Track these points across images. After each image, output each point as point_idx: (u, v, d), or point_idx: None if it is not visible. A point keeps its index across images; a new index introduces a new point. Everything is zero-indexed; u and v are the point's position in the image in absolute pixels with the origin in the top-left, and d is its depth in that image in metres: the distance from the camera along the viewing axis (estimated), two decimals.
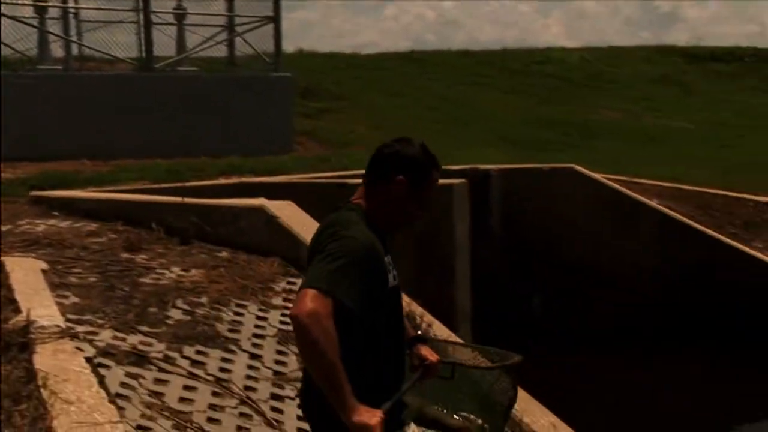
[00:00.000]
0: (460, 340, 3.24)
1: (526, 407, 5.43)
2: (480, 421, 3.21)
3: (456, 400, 3.23)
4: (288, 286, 6.02)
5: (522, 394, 5.61)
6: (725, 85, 22.90)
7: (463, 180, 8.86)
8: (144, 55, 12.12)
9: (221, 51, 13.76)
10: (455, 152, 12.81)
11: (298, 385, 4.73)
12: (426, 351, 2.97)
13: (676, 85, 22.65)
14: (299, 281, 6.13)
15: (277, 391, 4.72)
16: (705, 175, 12.62)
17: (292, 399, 4.65)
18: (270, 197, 7.19)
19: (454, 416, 3.21)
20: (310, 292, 2.46)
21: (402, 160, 2.75)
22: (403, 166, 2.75)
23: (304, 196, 7.66)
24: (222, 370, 4.77)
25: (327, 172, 10.45)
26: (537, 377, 6.81)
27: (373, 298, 2.63)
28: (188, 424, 4.12)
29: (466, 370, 3.19)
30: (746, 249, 10.14)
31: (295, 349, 5.17)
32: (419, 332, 3.06)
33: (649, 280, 10.05)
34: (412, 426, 2.94)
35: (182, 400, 4.35)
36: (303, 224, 6.69)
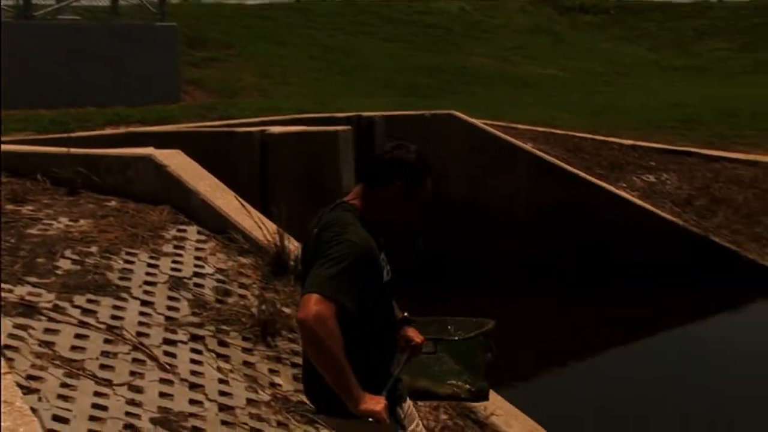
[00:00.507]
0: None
1: None
2: (467, 386, 3.48)
3: (441, 370, 3.47)
4: (178, 234, 6.13)
5: None
6: (593, 35, 23.92)
7: (348, 127, 9.08)
8: (21, 2, 11.69)
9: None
10: (340, 100, 13.02)
11: (191, 329, 4.93)
12: (412, 332, 3.18)
13: (548, 34, 23.52)
14: (189, 228, 6.26)
15: (169, 336, 4.82)
16: (575, 120, 13.27)
17: (185, 343, 4.78)
18: (158, 146, 7.22)
19: (443, 385, 3.47)
20: (314, 297, 2.65)
21: (399, 166, 2.88)
22: (400, 172, 2.88)
23: (193, 145, 7.71)
24: (114, 317, 4.83)
25: (215, 120, 10.46)
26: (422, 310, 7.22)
27: (371, 295, 2.83)
28: (81, 372, 4.19)
29: (447, 343, 3.43)
30: (612, 189, 10.81)
31: (186, 294, 5.34)
32: (405, 314, 3.23)
33: (523, 219, 10.60)
34: (409, 401, 3.17)
35: (74, 348, 4.39)
36: (192, 172, 6.78)
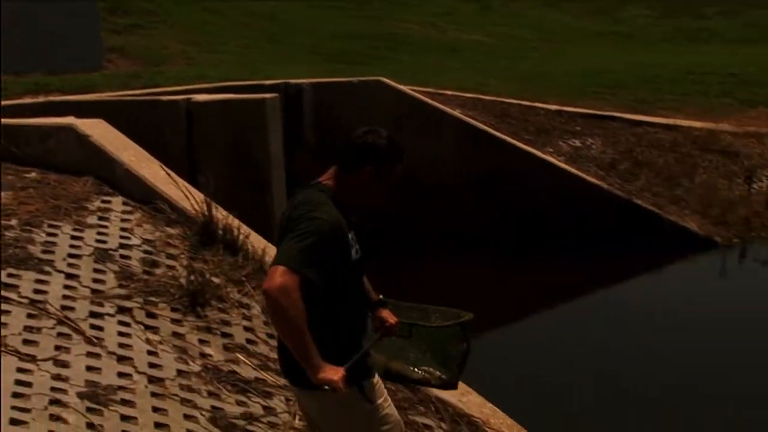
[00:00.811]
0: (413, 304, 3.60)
1: None
2: (438, 373, 3.59)
3: (417, 356, 3.58)
4: (103, 205, 6.00)
5: None
6: (520, 2, 24.13)
7: (276, 95, 8.98)
8: None
9: None
10: (267, 68, 12.87)
11: (118, 302, 4.86)
12: (386, 314, 3.30)
13: (475, 1, 23.62)
14: (114, 200, 6.13)
15: (96, 309, 4.74)
16: (502, 86, 13.40)
17: (112, 316, 4.71)
18: (80, 116, 7.02)
19: (416, 370, 3.59)
20: (280, 269, 2.76)
21: (371, 150, 3.01)
22: (372, 156, 3.00)
23: (116, 114, 7.53)
24: (37, 291, 4.73)
25: (139, 89, 10.23)
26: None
27: (337, 271, 2.94)
28: (2, 348, 4.10)
29: (422, 329, 3.53)
30: (539, 154, 10.98)
31: (113, 266, 5.24)
32: (380, 297, 3.33)
33: (451, 186, 10.67)
34: (377, 376, 3.22)
35: None
36: (115, 142, 6.63)
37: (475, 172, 10.64)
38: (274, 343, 5.00)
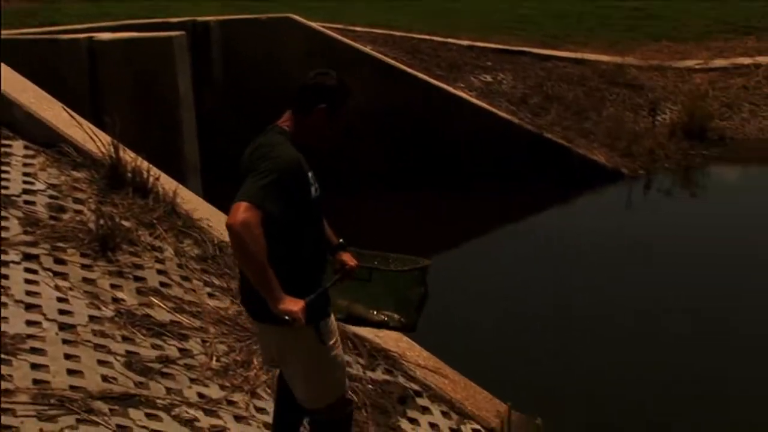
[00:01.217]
0: (369, 251, 3.70)
1: None
2: (397, 316, 3.74)
3: (377, 300, 3.72)
4: (3, 149, 5.76)
5: None
6: None
7: (182, 33, 8.72)
8: None
9: None
10: (174, 4, 12.46)
11: (23, 249, 4.71)
12: (346, 257, 3.43)
13: None
14: (14, 143, 5.90)
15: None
16: (413, 22, 13.32)
17: (18, 264, 4.56)
18: None
19: (375, 313, 3.73)
20: (243, 204, 2.88)
21: (322, 91, 3.14)
22: (323, 96, 3.13)
23: (12, 54, 7.21)
24: None
25: (36, 27, 9.78)
26: None
27: (298, 208, 3.07)
28: None
29: (381, 273, 3.64)
30: (451, 89, 11.02)
31: (16, 213, 5.07)
32: (341, 240, 3.45)
33: (365, 123, 10.63)
34: (332, 317, 3.33)
35: None
36: (13, 83, 6.35)
37: (388, 109, 10.62)
38: (188, 285, 4.96)
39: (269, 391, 4.30)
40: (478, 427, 4.91)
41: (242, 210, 2.87)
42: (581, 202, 10.79)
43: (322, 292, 3.19)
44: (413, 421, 4.77)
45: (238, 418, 3.97)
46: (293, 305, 2.96)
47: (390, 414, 4.61)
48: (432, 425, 4.73)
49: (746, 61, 14.24)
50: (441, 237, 9.27)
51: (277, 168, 2.98)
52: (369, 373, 4.89)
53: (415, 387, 5.01)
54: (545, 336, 6.53)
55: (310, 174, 3.14)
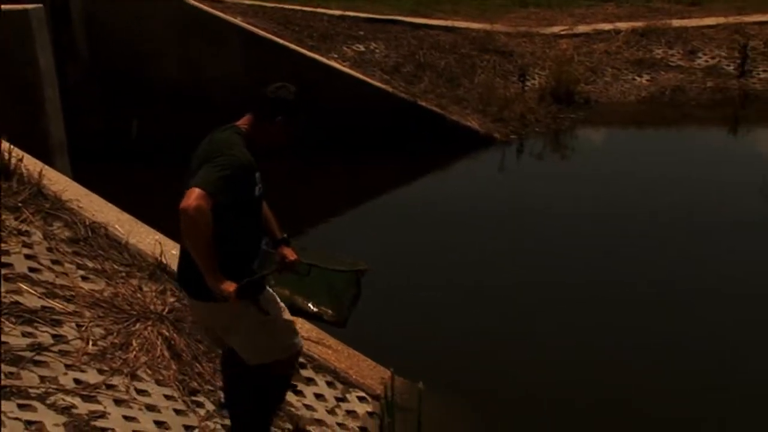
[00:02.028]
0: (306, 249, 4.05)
1: (132, 229, 5.63)
2: (330, 311, 4.12)
3: (314, 294, 4.09)
4: None
5: (125, 217, 5.80)
6: None
7: (40, 5, 8.30)
8: None
9: None
10: None
11: None
12: (287, 251, 3.77)
13: None
14: None
15: None
16: None
17: None
18: None
19: (311, 306, 4.10)
20: (197, 191, 3.19)
21: (281, 104, 3.50)
22: (281, 108, 3.50)
23: None
24: None
25: None
26: (141, 201, 7.02)
27: (242, 202, 3.43)
28: None
29: (320, 270, 3.99)
30: (324, 60, 10.98)
31: None
32: (284, 236, 3.79)
33: (239, 97, 10.46)
34: (269, 290, 3.65)
35: None
36: None
37: (260, 81, 10.46)
38: (59, 269, 4.79)
39: (150, 372, 4.23)
40: (363, 394, 4.98)
41: (197, 196, 3.18)
42: (457, 168, 11.00)
43: (259, 278, 3.51)
44: (298, 392, 4.79)
45: (118, 402, 3.89)
46: (227, 285, 3.29)
47: None
48: (317, 395, 4.77)
49: (607, 26, 14.82)
50: (317, 207, 9.27)
51: (232, 164, 3.32)
52: None
53: (301, 360, 5.03)
54: (426, 302, 6.62)
55: (257, 175, 3.49)
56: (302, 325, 5.13)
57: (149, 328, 4.53)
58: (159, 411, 3.96)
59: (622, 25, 14.84)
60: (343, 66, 11.09)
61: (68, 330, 4.31)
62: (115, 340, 4.36)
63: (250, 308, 3.46)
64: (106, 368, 4.12)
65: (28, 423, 3.50)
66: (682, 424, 5.10)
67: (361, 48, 11.92)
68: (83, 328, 4.34)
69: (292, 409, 4.59)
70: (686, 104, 13.89)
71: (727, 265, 7.57)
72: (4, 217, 5.00)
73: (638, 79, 14.08)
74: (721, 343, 6.12)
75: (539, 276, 7.23)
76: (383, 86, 11.16)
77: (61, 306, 4.46)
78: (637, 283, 7.14)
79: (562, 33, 14.39)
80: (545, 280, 7.15)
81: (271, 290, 3.68)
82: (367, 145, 10.45)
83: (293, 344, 3.74)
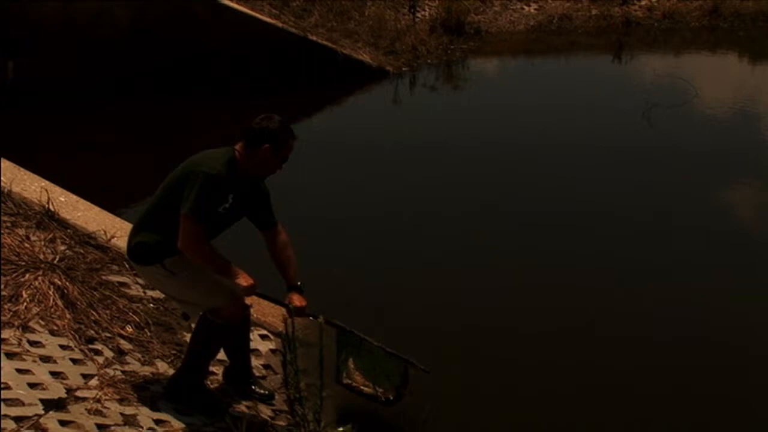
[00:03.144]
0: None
1: (14, 176, 5.41)
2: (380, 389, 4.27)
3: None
4: None
5: (7, 164, 5.56)
6: None
7: None
8: None
9: None
10: None
11: None
12: (295, 297, 3.99)
13: None
14: None
15: None
16: None
17: None
18: None
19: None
20: (188, 224, 3.57)
21: (266, 133, 3.74)
22: (267, 137, 3.74)
23: None
24: None
25: None
26: (23, 147, 6.74)
27: (209, 213, 3.67)
28: None
29: (368, 345, 4.22)
30: None
31: None
32: (298, 283, 4.03)
33: (123, 34, 10.10)
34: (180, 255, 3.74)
35: None
36: None
37: (149, 18, 10.13)
38: None
39: (43, 323, 4.12)
40: (265, 332, 5.00)
41: (187, 231, 3.57)
42: (350, 102, 10.96)
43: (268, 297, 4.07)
44: None
45: (10, 356, 3.77)
46: (244, 280, 3.72)
47: (175, 330, 4.58)
48: None
49: None
50: (208, 142, 9.05)
51: (201, 181, 3.58)
52: (150, 293, 4.80)
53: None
54: (325, 237, 6.62)
55: (229, 194, 3.71)
56: None
57: (40, 278, 4.39)
58: (55, 361, 3.87)
59: None
60: (230, 1, 10.79)
61: None
62: (4, 293, 4.22)
63: (160, 270, 3.76)
64: None
65: None
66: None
67: None
68: None
69: None
70: (573, 32, 14.22)
71: (613, 186, 7.89)
72: None
73: (526, 8, 14.27)
74: (607, 259, 6.41)
75: (441, 205, 7.34)
76: (272, 21, 10.94)
77: None
78: (528, 206, 7.38)
79: None
80: (447, 208, 7.28)
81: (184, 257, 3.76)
82: (257, 82, 10.26)
83: (225, 293, 3.81)
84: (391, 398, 4.28)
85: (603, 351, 5.18)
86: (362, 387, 4.31)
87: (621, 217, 7.19)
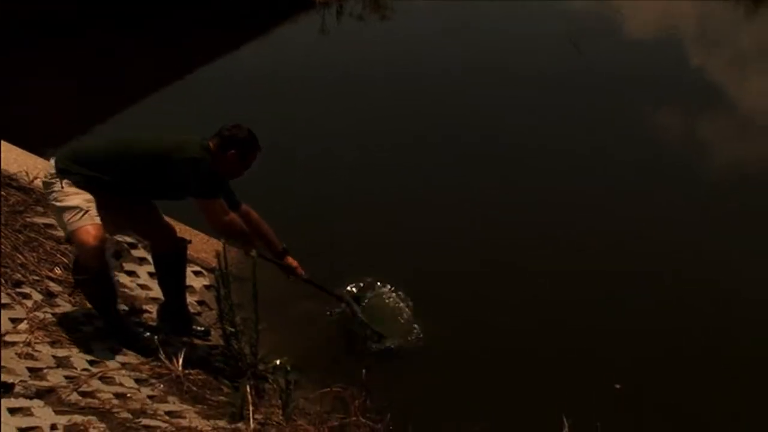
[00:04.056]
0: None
1: None
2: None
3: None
4: None
5: None
6: None
7: None
8: None
9: None
10: None
11: None
12: (290, 260, 4.37)
13: None
14: None
15: None
16: None
17: None
18: None
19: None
20: (210, 203, 3.90)
21: (234, 141, 3.97)
22: (235, 145, 3.96)
23: None
24: None
25: None
26: None
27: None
28: None
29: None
30: None
31: None
32: (284, 246, 4.34)
33: None
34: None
35: None
36: None
37: None
38: None
39: None
40: (198, 269, 4.98)
41: (214, 210, 3.90)
42: (277, 34, 10.73)
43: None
44: (131, 273, 4.73)
45: None
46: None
47: None
48: (151, 274, 4.70)
49: None
50: (141, 83, 8.80)
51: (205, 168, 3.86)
52: None
53: (129, 240, 4.93)
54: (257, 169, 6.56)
55: None
56: None
57: None
58: None
59: None
60: None
61: None
62: None
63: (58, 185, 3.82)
64: None
65: None
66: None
67: None
68: None
69: (127, 290, 4.53)
70: None
71: (542, 114, 7.99)
72: None
73: None
74: (540, 189, 6.52)
75: (373, 138, 7.34)
76: None
77: None
78: (459, 137, 7.44)
79: None
80: (380, 140, 7.28)
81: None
82: (172, 17, 9.92)
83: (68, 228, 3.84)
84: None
85: (534, 286, 5.29)
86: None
87: (554, 149, 7.28)
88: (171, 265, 4.27)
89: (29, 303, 4.00)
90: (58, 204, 3.81)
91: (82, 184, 3.80)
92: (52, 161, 3.88)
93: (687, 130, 8.08)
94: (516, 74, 9.00)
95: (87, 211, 3.74)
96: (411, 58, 9.50)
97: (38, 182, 4.94)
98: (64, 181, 3.80)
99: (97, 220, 3.75)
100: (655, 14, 12.22)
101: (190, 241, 4.41)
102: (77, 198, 3.77)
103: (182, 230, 4.98)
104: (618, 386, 4.36)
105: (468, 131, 7.52)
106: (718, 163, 7.40)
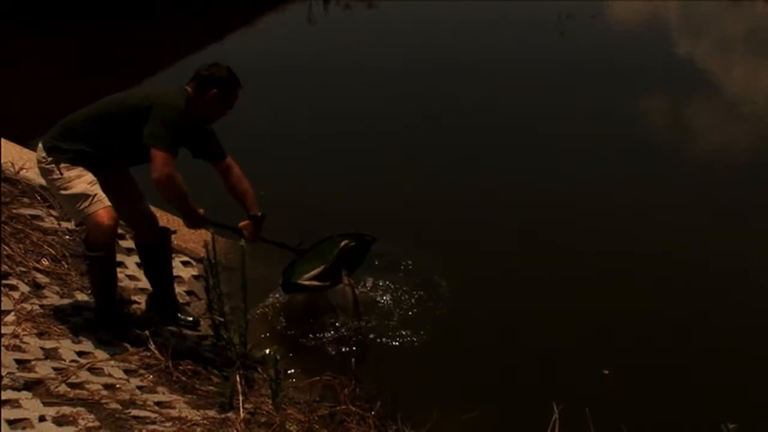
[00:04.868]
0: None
1: None
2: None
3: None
4: None
5: None
6: None
7: None
8: None
9: None
10: None
11: None
12: (246, 224, 4.17)
13: None
14: None
15: None
16: None
17: None
18: None
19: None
20: (164, 156, 3.66)
21: (214, 79, 3.87)
22: (215, 84, 3.86)
23: None
24: None
25: None
26: None
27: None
28: None
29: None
30: None
31: None
32: (258, 214, 4.16)
33: None
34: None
35: None
36: None
37: None
38: None
39: None
40: (186, 259, 4.96)
41: (164, 163, 3.64)
42: (265, 23, 10.71)
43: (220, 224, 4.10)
44: (119, 264, 4.69)
45: None
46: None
47: None
48: (140, 265, 4.68)
49: None
50: (130, 74, 8.74)
51: (173, 119, 3.73)
52: (65, 224, 4.70)
53: (118, 231, 4.90)
54: (246, 158, 6.53)
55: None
56: None
57: None
58: None
59: None
60: None
61: None
62: None
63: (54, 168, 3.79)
64: None
65: None
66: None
67: None
68: None
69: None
70: None
71: (531, 98, 8.00)
72: None
73: None
74: (529, 172, 6.53)
75: (365, 124, 7.37)
76: None
77: None
78: (451, 121, 7.48)
79: None
80: (373, 126, 7.33)
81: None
82: (157, 4, 9.88)
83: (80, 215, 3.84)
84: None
85: (521, 272, 5.31)
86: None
87: (544, 133, 7.31)
88: (154, 254, 4.26)
89: (16, 294, 3.98)
90: (64, 192, 3.78)
91: (76, 160, 3.77)
92: (41, 144, 3.84)
93: (671, 114, 8.12)
94: (504, 59, 9.01)
95: (95, 195, 3.74)
96: (398, 46, 9.50)
97: (24, 173, 4.91)
98: (61, 165, 3.75)
99: (107, 202, 3.77)
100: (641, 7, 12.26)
101: (174, 231, 4.39)
102: (81, 183, 3.75)
103: (168, 220, 4.98)
104: (606, 371, 4.37)
105: (460, 116, 7.56)
106: (709, 147, 7.46)
